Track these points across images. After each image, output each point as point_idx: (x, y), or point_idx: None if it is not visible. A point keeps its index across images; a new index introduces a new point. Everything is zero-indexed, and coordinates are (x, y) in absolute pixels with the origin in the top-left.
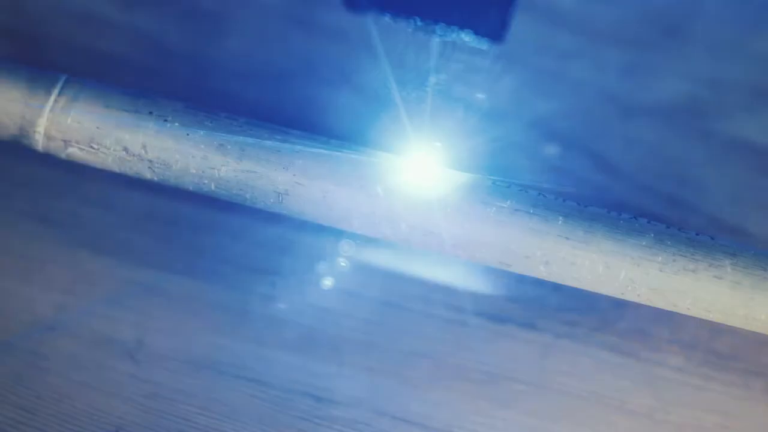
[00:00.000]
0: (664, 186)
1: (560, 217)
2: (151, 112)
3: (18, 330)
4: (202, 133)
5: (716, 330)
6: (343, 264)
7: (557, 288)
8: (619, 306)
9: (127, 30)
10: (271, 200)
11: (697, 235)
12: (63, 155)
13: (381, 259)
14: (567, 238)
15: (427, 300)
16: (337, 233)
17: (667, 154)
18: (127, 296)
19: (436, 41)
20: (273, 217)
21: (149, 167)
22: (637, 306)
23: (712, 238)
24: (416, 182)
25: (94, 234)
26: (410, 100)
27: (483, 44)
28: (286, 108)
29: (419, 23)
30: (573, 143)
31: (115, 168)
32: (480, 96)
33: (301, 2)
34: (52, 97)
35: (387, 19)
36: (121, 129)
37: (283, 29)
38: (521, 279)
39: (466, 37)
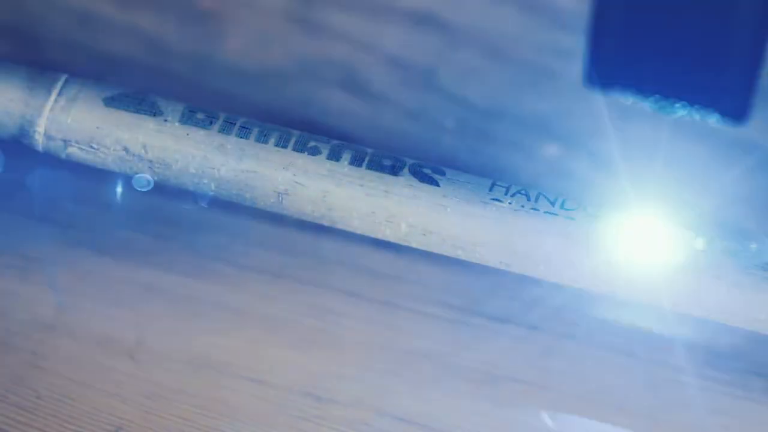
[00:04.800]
0: (665, 186)
1: (560, 217)
2: (151, 112)
3: (18, 330)
4: (202, 133)
5: (716, 330)
6: (343, 264)
7: (557, 288)
8: (620, 306)
9: (127, 30)
10: (271, 200)
11: (696, 235)
12: (63, 155)
13: (381, 259)
14: (567, 238)
15: (427, 300)
16: (338, 233)
17: (667, 155)
18: (127, 296)
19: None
20: (273, 217)
21: (149, 167)
22: (637, 306)
23: (711, 237)
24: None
25: (94, 234)
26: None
27: (727, 125)
28: (286, 108)
29: (660, 102)
30: (573, 143)
31: (115, 168)
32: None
33: (301, 2)
34: (52, 97)
35: (628, 96)
36: (121, 129)
37: (283, 29)
38: (521, 279)
39: (710, 118)
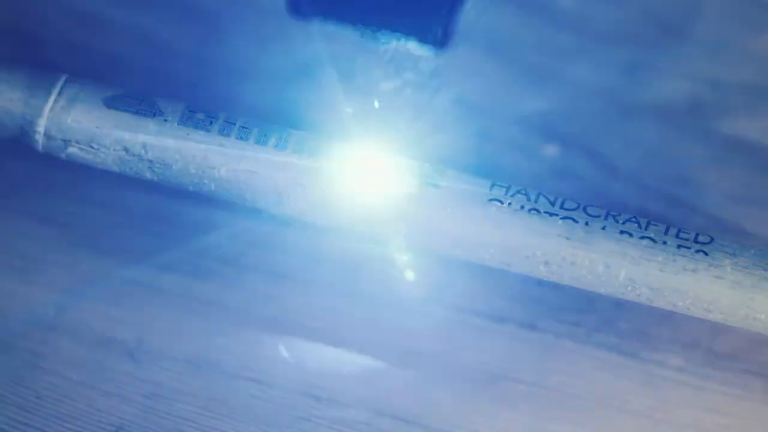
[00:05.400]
0: (664, 186)
1: (560, 217)
2: (151, 112)
3: (18, 330)
4: (202, 133)
5: (716, 330)
6: (342, 264)
7: (557, 288)
8: (619, 306)
9: (127, 30)
10: (271, 200)
11: (697, 235)
12: (63, 155)
13: (380, 259)
14: (567, 238)
15: (427, 300)
16: (338, 233)
17: (667, 154)
18: (127, 296)
19: (381, 48)
20: (273, 217)
21: (149, 167)
22: (637, 306)
23: (712, 238)
24: (415, 182)
25: (94, 234)
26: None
27: (427, 51)
28: (286, 108)
29: (363, 30)
30: (573, 143)
31: (115, 168)
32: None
33: None
34: (52, 97)
35: (330, 25)
36: (121, 129)
37: (283, 29)
38: (521, 279)
39: (410, 45)
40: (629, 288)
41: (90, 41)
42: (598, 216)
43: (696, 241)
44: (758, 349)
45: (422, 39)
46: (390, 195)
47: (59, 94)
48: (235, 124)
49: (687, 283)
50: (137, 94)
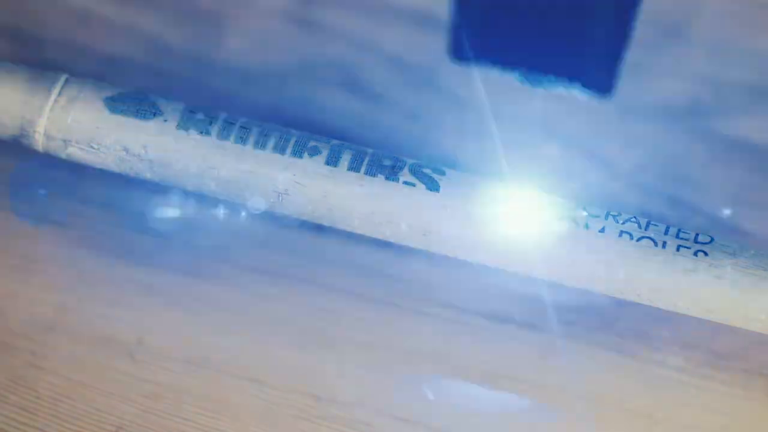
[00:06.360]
0: (664, 186)
1: (560, 217)
2: (151, 113)
3: (18, 330)
4: (202, 133)
5: (716, 330)
6: (343, 264)
7: (557, 288)
8: (619, 306)
9: (127, 30)
10: (271, 200)
11: (697, 235)
12: (63, 155)
13: (381, 259)
14: (567, 238)
15: (427, 300)
16: (338, 233)
17: (667, 154)
18: (127, 296)
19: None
20: (273, 217)
21: (149, 167)
22: (637, 306)
23: (712, 238)
24: (414, 181)
25: (94, 234)
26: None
27: (591, 97)
28: (286, 108)
29: (525, 75)
30: (573, 143)
31: (115, 168)
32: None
33: (301, 2)
34: (52, 97)
35: (494, 70)
36: (121, 129)
37: (283, 29)
38: (521, 279)
39: (575, 90)
40: (629, 288)
41: (90, 41)
42: (598, 216)
43: (696, 241)
44: (758, 349)
45: (588, 85)
46: (388, 195)
47: (59, 94)
48: (235, 124)
49: (687, 283)
50: (137, 94)
